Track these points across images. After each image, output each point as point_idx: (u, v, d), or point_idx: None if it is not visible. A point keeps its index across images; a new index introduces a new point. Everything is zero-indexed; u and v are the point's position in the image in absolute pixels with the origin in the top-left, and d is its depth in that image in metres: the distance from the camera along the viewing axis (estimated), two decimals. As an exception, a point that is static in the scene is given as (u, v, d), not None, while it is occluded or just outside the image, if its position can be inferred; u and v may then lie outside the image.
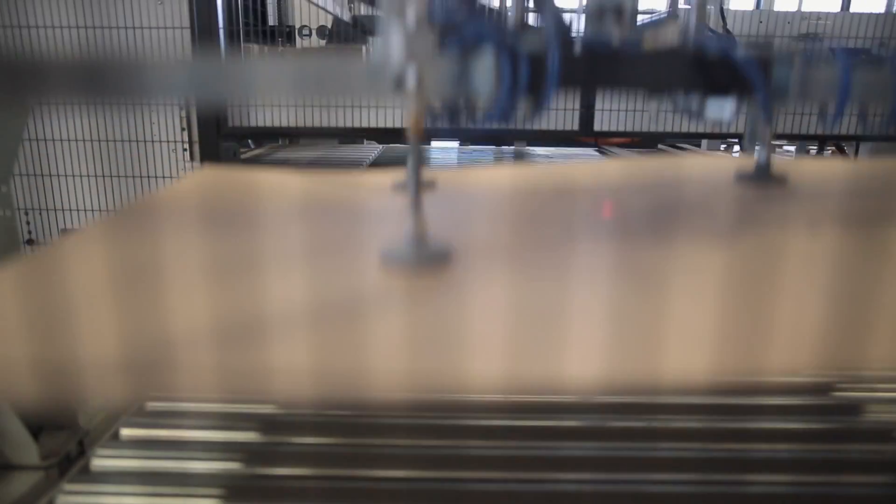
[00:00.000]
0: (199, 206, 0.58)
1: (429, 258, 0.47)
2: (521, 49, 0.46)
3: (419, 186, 0.46)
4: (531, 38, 0.48)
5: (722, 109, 0.50)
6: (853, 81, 0.49)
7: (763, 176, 0.64)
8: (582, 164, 1.35)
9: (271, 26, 1.62)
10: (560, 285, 0.40)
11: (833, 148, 2.21)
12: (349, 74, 0.48)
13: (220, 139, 1.45)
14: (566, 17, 0.55)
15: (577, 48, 0.48)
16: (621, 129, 1.50)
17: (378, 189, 0.63)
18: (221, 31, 1.38)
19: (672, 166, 0.82)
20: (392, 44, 0.44)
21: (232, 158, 1.53)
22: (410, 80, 0.44)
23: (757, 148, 0.62)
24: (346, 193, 0.63)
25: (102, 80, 0.42)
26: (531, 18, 0.65)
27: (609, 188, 0.68)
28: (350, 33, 1.67)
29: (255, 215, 0.56)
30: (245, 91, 0.55)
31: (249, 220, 0.55)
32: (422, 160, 0.47)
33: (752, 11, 1.87)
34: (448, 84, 0.47)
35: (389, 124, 1.46)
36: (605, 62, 0.49)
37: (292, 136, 1.81)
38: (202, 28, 1.36)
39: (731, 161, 0.90)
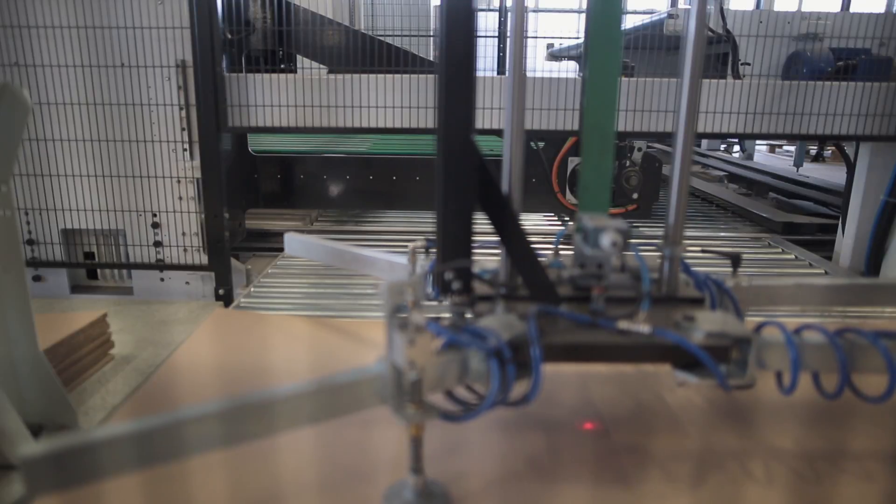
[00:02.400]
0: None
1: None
2: (506, 354, 0.53)
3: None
4: (515, 325, 0.56)
5: (688, 376, 0.58)
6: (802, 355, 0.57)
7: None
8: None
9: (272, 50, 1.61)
10: None
11: (833, 148, 2.21)
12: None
13: (220, 137, 1.45)
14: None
15: (559, 335, 0.57)
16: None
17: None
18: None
19: None
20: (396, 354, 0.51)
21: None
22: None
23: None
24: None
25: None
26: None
27: None
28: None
29: None
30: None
31: None
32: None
33: (752, 11, 1.87)
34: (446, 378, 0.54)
35: (389, 124, 1.47)
36: (586, 348, 0.58)
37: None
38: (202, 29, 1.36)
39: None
